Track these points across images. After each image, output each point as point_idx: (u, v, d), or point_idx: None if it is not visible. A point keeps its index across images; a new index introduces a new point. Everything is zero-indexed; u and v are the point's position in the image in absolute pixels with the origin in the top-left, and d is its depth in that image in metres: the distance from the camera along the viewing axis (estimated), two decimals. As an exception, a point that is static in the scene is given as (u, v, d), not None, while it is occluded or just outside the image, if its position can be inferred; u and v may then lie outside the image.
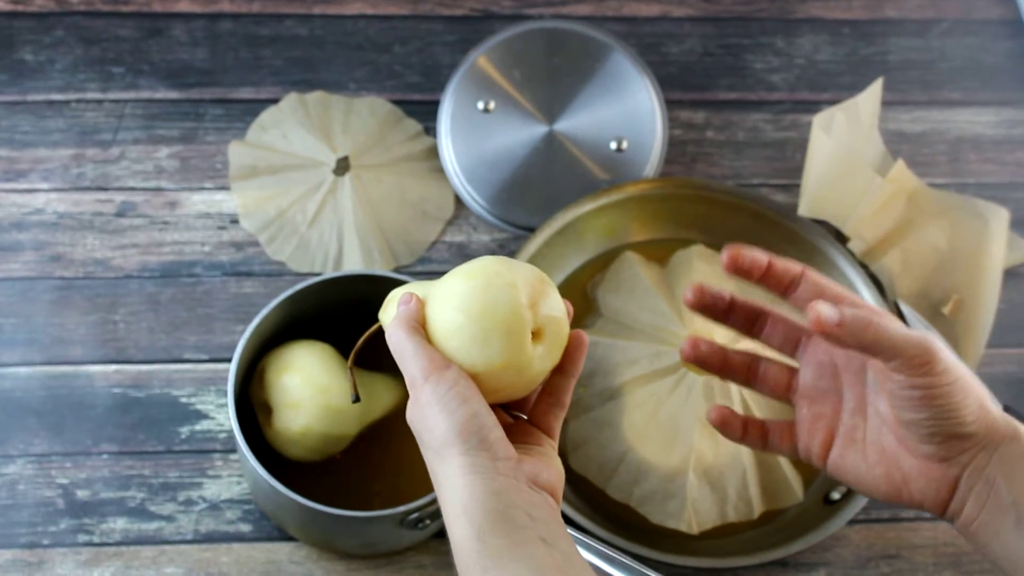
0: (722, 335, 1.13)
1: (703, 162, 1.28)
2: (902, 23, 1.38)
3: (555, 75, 1.25)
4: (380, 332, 0.81)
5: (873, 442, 0.77)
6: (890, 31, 1.37)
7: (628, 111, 1.25)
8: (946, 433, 0.73)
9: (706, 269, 1.17)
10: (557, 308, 0.76)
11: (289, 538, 1.07)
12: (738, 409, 1.09)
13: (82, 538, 1.05)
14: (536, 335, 0.75)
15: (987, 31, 1.38)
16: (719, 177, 1.27)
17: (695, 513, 1.08)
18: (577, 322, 1.16)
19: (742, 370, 0.82)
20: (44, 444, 1.09)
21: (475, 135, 1.23)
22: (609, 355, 1.12)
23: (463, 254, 1.21)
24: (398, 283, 1.00)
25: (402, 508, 0.95)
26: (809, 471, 1.12)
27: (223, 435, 1.10)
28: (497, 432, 0.71)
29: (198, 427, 1.11)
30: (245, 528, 1.07)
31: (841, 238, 1.23)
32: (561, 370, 0.77)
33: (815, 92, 1.33)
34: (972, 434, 0.73)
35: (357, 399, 0.87)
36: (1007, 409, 1.14)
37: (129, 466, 1.09)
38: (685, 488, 1.08)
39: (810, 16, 1.37)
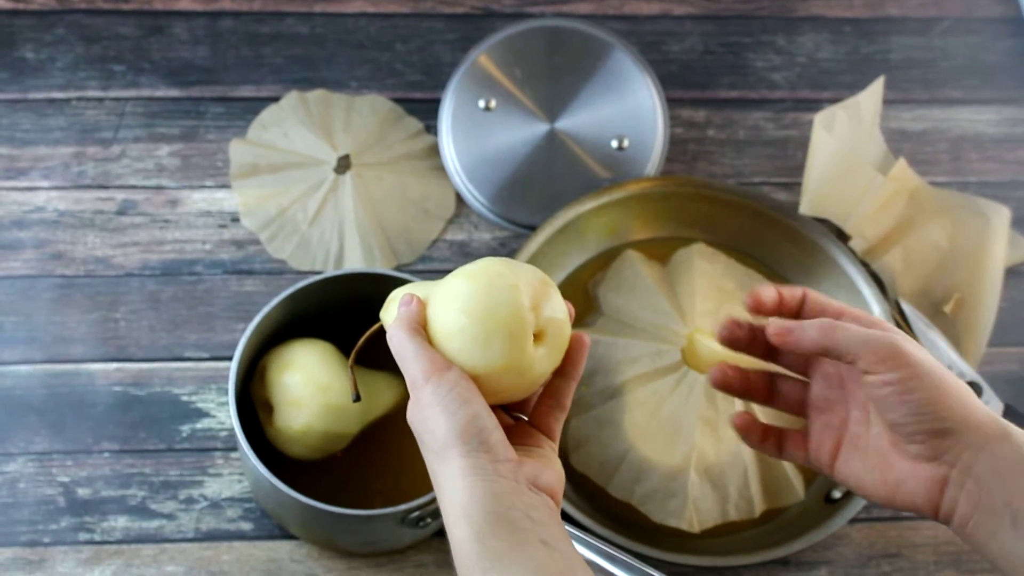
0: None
1: (704, 160, 1.28)
2: (903, 21, 1.38)
3: (556, 73, 1.25)
4: (381, 331, 0.81)
5: (873, 448, 0.78)
6: (891, 29, 1.37)
7: (629, 109, 1.25)
8: (927, 430, 0.74)
9: (707, 268, 1.17)
10: (559, 310, 0.76)
11: (290, 536, 1.07)
12: (739, 409, 1.10)
13: (83, 536, 1.05)
14: (538, 337, 0.74)
15: (988, 29, 1.38)
16: (720, 175, 1.27)
17: (696, 511, 1.08)
18: (578, 321, 1.16)
19: (762, 391, 0.84)
20: (45, 442, 1.09)
21: (476, 133, 1.23)
22: (610, 353, 1.12)
23: (464, 252, 1.21)
24: (399, 281, 1.00)
25: (403, 507, 0.95)
26: (810, 470, 1.12)
27: (224, 433, 1.10)
28: (498, 434, 0.71)
29: (199, 425, 1.11)
30: (246, 526, 1.07)
31: (842, 236, 1.23)
32: (562, 372, 0.77)
33: (816, 90, 1.32)
34: (953, 430, 0.74)
35: (358, 398, 0.87)
36: (1009, 408, 1.14)
37: (130, 464, 1.09)
38: (686, 486, 1.08)
39: (811, 14, 1.37)
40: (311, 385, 1.00)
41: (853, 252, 1.20)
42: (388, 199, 1.21)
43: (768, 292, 0.80)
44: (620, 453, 1.10)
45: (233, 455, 1.09)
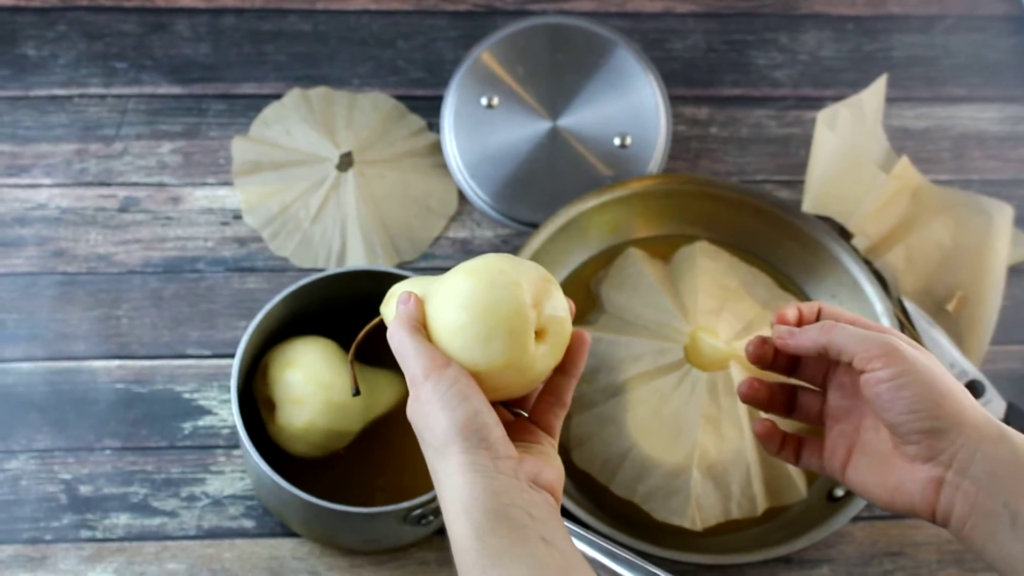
0: (724, 333, 1.13)
1: (707, 158, 1.28)
2: (906, 19, 1.38)
3: (559, 71, 1.25)
4: (381, 327, 0.81)
5: (878, 452, 0.78)
6: (894, 27, 1.37)
7: (632, 107, 1.24)
8: (923, 429, 0.74)
9: (709, 265, 1.17)
10: (560, 308, 0.76)
11: (292, 534, 1.07)
12: (742, 411, 1.10)
13: (85, 534, 1.05)
14: (539, 334, 0.74)
15: (991, 27, 1.38)
16: (723, 173, 1.27)
17: (699, 510, 1.08)
18: (581, 318, 1.16)
19: (783, 403, 0.85)
20: (47, 439, 1.09)
21: (479, 131, 1.23)
22: (612, 351, 1.12)
23: (466, 250, 1.20)
24: (401, 279, 1.00)
25: (405, 504, 0.95)
26: (812, 468, 1.12)
27: (226, 431, 1.10)
28: (498, 431, 0.71)
29: (201, 423, 1.10)
30: (248, 524, 1.07)
31: (845, 235, 1.22)
32: (563, 369, 0.77)
33: (819, 88, 1.32)
34: (949, 430, 0.74)
35: (357, 392, 0.87)
36: (1011, 407, 1.14)
37: (132, 462, 1.08)
38: (689, 485, 1.08)
39: (814, 12, 1.37)
40: (313, 383, 0.99)
41: (856, 250, 1.20)
42: (390, 196, 1.21)
43: (790, 311, 0.82)
44: (622, 451, 1.10)
45: (235, 453, 1.09)
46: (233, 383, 0.98)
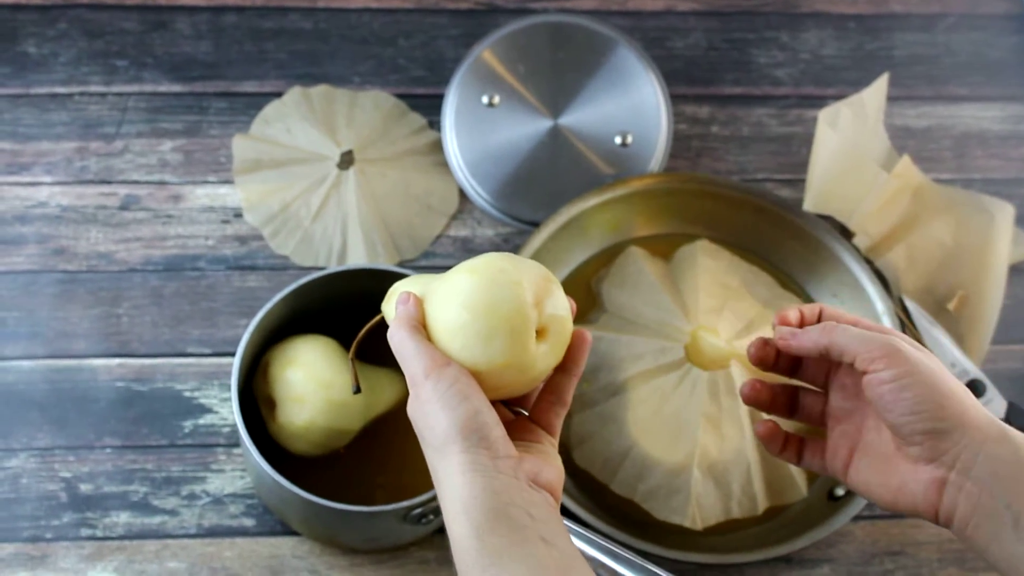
0: (725, 332, 1.13)
1: (708, 157, 1.28)
2: (907, 18, 1.37)
3: (560, 69, 1.25)
4: (382, 324, 0.81)
5: (881, 453, 0.78)
6: (895, 26, 1.37)
7: (633, 106, 1.24)
8: (925, 430, 0.74)
9: (710, 264, 1.17)
10: (561, 307, 0.76)
11: (292, 532, 1.07)
12: (744, 411, 1.10)
13: (85, 532, 1.05)
14: (540, 333, 0.74)
15: (993, 26, 1.38)
16: (724, 172, 1.27)
17: (699, 509, 1.08)
18: (581, 317, 1.16)
19: (785, 404, 0.85)
20: (47, 438, 1.09)
21: (480, 129, 1.23)
22: (613, 350, 1.12)
23: (467, 248, 1.20)
24: (402, 277, 1.00)
25: (405, 503, 0.95)
26: (813, 467, 1.12)
27: (226, 429, 1.10)
28: (498, 430, 0.71)
29: (201, 421, 1.10)
30: (248, 522, 1.07)
31: (846, 233, 1.22)
32: (563, 368, 0.77)
33: (820, 87, 1.32)
34: (951, 431, 0.74)
35: (358, 390, 0.87)
36: (1012, 406, 1.13)
37: (132, 460, 1.08)
38: (689, 484, 1.08)
39: (815, 11, 1.36)
40: (314, 381, 0.99)
41: (857, 249, 1.20)
42: (391, 195, 1.21)
43: (791, 312, 0.82)
44: (623, 450, 1.10)
45: (235, 451, 1.09)
46: (233, 381, 0.98)
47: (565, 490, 1.06)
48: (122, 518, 1.06)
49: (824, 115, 1.23)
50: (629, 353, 1.12)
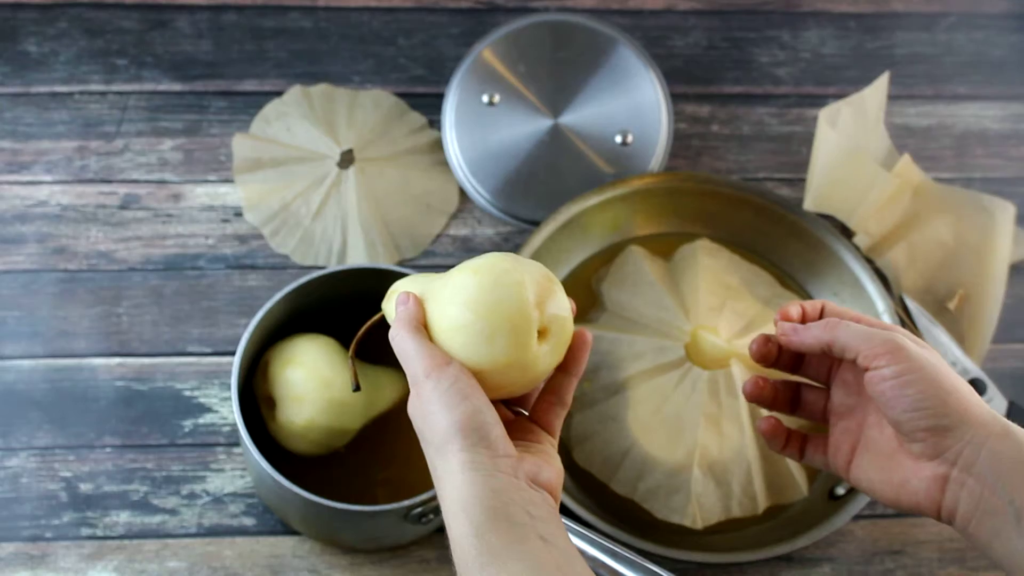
0: (725, 331, 1.12)
1: (708, 156, 1.28)
2: (908, 17, 1.37)
3: (560, 68, 1.25)
4: (382, 323, 0.81)
5: (883, 449, 0.78)
6: (896, 25, 1.37)
7: (633, 104, 1.24)
8: (927, 427, 0.74)
9: (711, 263, 1.17)
10: (563, 307, 0.76)
11: (293, 532, 1.06)
12: (744, 410, 1.10)
13: (85, 531, 1.05)
14: (541, 334, 0.75)
15: (993, 25, 1.38)
16: (724, 171, 1.27)
17: (699, 508, 1.08)
18: (581, 316, 1.16)
19: (787, 401, 0.85)
20: (47, 437, 1.09)
21: (480, 128, 1.23)
22: (614, 349, 1.12)
23: (467, 248, 1.20)
24: (402, 277, 1.00)
25: (406, 502, 0.95)
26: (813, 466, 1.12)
27: (226, 428, 1.10)
28: (498, 430, 0.71)
29: (201, 420, 1.10)
30: (248, 522, 1.07)
31: (847, 232, 1.22)
32: (564, 369, 0.78)
33: (821, 86, 1.32)
34: (953, 427, 0.74)
35: (358, 388, 0.87)
36: (1013, 405, 1.13)
37: (132, 459, 1.08)
38: (690, 483, 1.08)
39: (816, 9, 1.36)
40: (314, 380, 0.99)
41: (857, 248, 1.20)
42: (391, 194, 1.21)
43: (793, 308, 0.82)
44: (623, 449, 1.10)
45: (235, 450, 1.09)
46: (234, 381, 0.98)
47: (565, 489, 1.06)
48: (122, 517, 1.06)
49: (824, 114, 1.23)
50: (629, 352, 1.12)
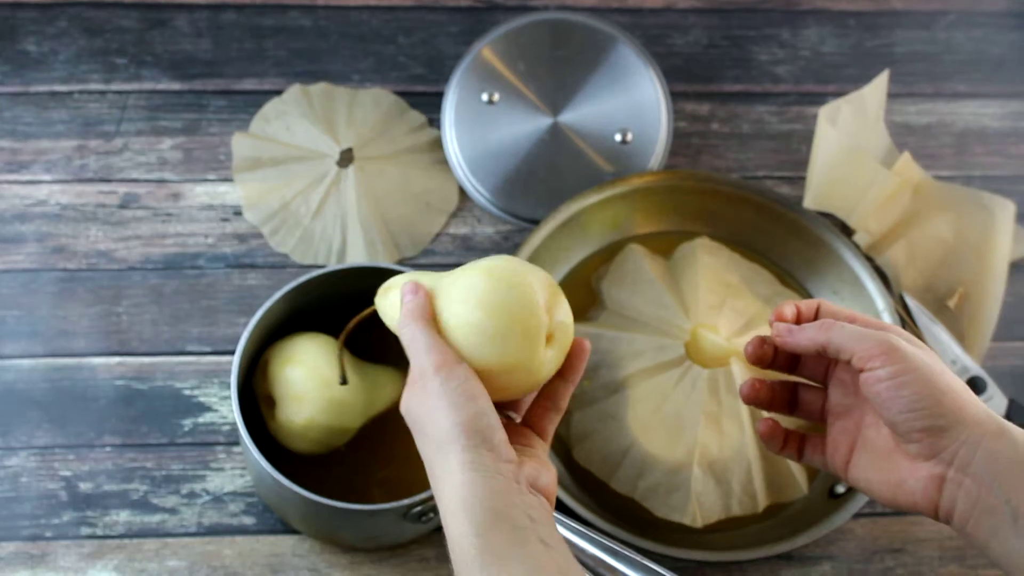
0: (725, 330, 1.12)
1: (708, 154, 1.28)
2: (908, 15, 1.37)
3: (560, 67, 1.25)
4: (374, 319, 0.81)
5: (880, 449, 0.78)
6: (896, 23, 1.37)
7: (633, 103, 1.24)
8: (923, 427, 0.74)
9: (710, 262, 1.17)
10: (567, 314, 0.77)
11: (293, 531, 1.06)
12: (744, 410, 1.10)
13: (85, 531, 1.05)
14: (549, 339, 0.75)
15: (993, 23, 1.38)
16: (724, 169, 1.27)
17: (699, 507, 1.08)
18: (581, 315, 1.16)
19: (785, 401, 0.85)
20: (47, 436, 1.09)
21: (479, 127, 1.23)
22: (613, 348, 1.12)
23: (467, 246, 1.20)
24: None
25: (406, 501, 0.95)
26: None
27: (226, 427, 1.10)
28: (501, 434, 0.72)
29: (201, 419, 1.10)
30: (248, 521, 1.07)
31: (846, 231, 1.22)
32: (562, 375, 0.78)
33: (820, 84, 1.32)
34: (950, 427, 0.74)
35: (344, 381, 0.87)
36: (1013, 403, 1.13)
37: (132, 458, 1.08)
38: (689, 481, 1.08)
39: (815, 8, 1.36)
40: (313, 379, 0.99)
41: (857, 246, 1.20)
42: (391, 193, 1.21)
43: (788, 308, 0.81)
44: (623, 448, 1.10)
45: (235, 449, 1.09)
46: (233, 380, 0.98)
47: (565, 487, 1.06)
48: (122, 517, 1.06)
49: (824, 112, 1.23)
50: (629, 351, 1.12)
